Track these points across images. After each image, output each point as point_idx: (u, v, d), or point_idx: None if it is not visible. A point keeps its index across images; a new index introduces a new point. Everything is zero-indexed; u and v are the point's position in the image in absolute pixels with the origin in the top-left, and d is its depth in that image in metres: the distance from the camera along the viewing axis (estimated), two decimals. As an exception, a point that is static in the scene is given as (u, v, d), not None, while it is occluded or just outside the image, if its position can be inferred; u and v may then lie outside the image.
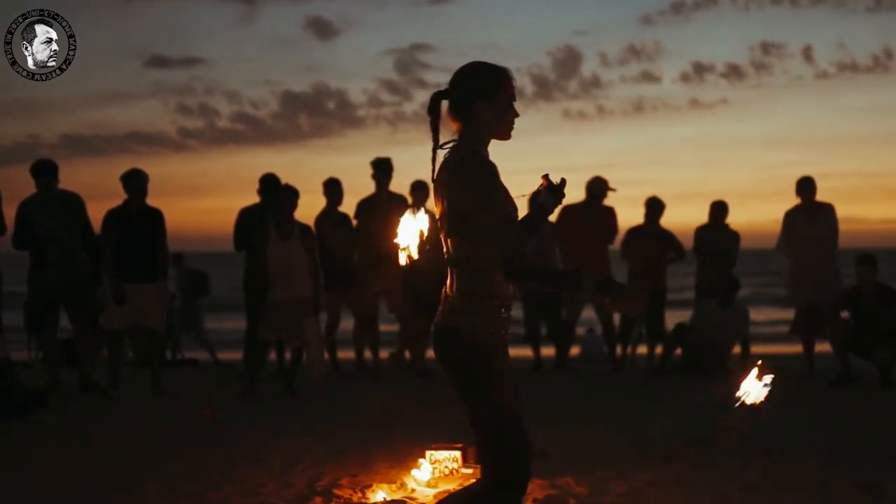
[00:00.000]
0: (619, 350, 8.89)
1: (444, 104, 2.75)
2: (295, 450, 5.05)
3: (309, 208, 10.31)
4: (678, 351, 8.41)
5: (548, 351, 9.06)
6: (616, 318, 8.83)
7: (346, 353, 8.82)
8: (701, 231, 8.84)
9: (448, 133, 2.75)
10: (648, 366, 8.60)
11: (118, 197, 7.25)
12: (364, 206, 8.24)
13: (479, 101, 2.70)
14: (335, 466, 4.67)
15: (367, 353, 8.45)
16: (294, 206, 7.14)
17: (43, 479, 4.49)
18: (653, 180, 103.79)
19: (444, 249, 2.75)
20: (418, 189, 8.37)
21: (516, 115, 2.77)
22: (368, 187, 8.34)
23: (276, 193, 7.34)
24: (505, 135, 2.77)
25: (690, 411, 6.17)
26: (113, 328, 7.21)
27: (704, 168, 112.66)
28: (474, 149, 2.71)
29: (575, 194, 8.70)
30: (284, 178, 7.77)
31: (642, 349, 9.08)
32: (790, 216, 8.22)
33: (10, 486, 4.38)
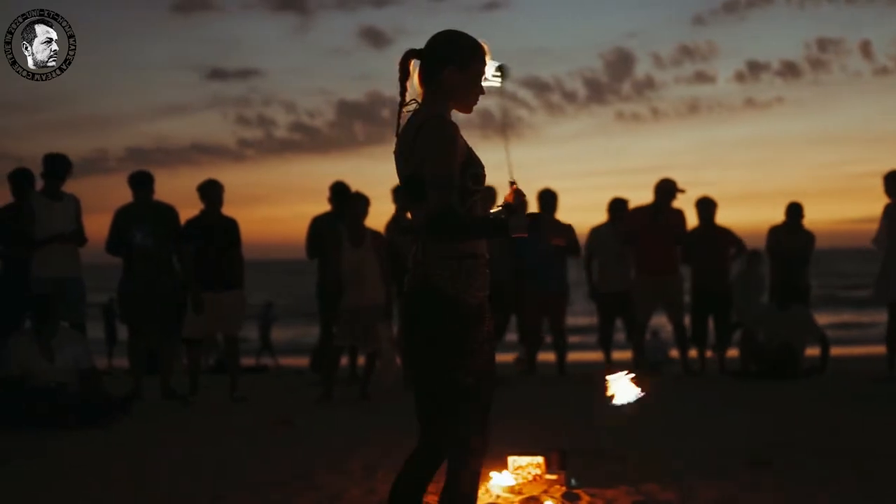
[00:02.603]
0: (691, 353, 8.79)
1: (414, 64, 2.78)
2: (375, 455, 5.08)
3: (376, 216, 10.42)
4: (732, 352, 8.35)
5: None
6: (686, 320, 8.74)
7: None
8: (776, 231, 8.69)
9: (412, 94, 2.79)
10: (721, 368, 8.49)
11: (180, 207, 7.45)
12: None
13: (450, 67, 2.74)
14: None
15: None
16: (365, 213, 7.21)
17: (123, 486, 4.58)
18: (708, 181, 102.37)
19: (408, 215, 2.79)
20: (484, 194, 8.42)
21: (482, 91, 2.82)
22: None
23: (347, 201, 7.42)
24: (467, 107, 2.83)
25: (770, 415, 6.07)
26: (192, 336, 7.36)
27: (760, 168, 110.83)
28: (439, 112, 2.75)
29: (635, 196, 8.71)
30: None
31: (710, 353, 8.97)
32: (891, 209, 7.92)
33: (93, 492, 4.48)
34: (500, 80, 2.89)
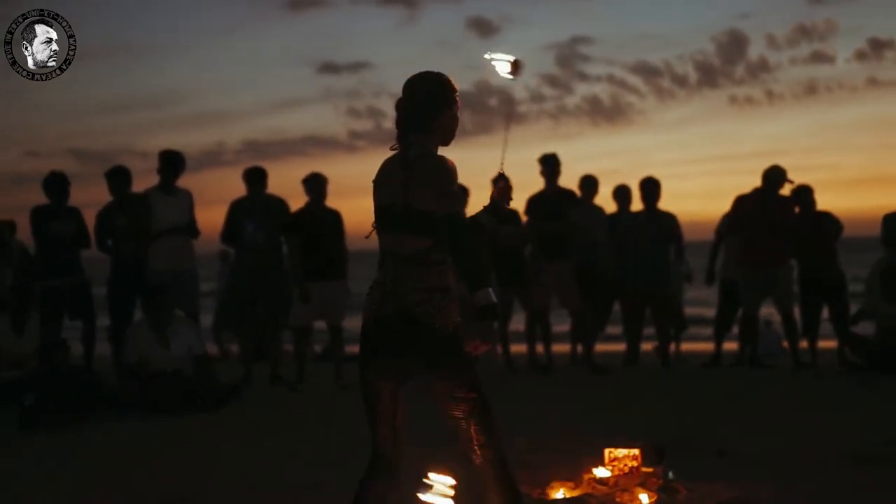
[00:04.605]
0: (801, 345, 8.51)
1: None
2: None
3: (474, 205, 10.47)
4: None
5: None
6: (796, 312, 8.48)
7: (518, 348, 8.89)
8: (891, 219, 8.32)
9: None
10: (841, 362, 8.21)
11: (294, 198, 7.67)
12: (534, 201, 8.29)
13: (447, 111, 2.90)
14: (512, 462, 4.68)
15: (540, 348, 8.49)
16: (464, 203, 7.28)
17: (229, 469, 4.77)
18: (827, 165, 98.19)
19: (387, 244, 2.87)
20: (587, 183, 8.38)
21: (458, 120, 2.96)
22: (533, 182, 8.38)
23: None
24: (451, 140, 2.96)
25: (879, 410, 5.85)
26: (298, 325, 7.59)
27: (883, 151, 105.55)
28: (430, 150, 2.88)
29: (749, 182, 8.42)
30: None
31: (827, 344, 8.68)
32: None
33: (200, 475, 4.69)
34: (514, 75, 2.93)
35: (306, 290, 7.35)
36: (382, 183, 2.92)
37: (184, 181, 7.66)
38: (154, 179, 7.62)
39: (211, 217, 7.76)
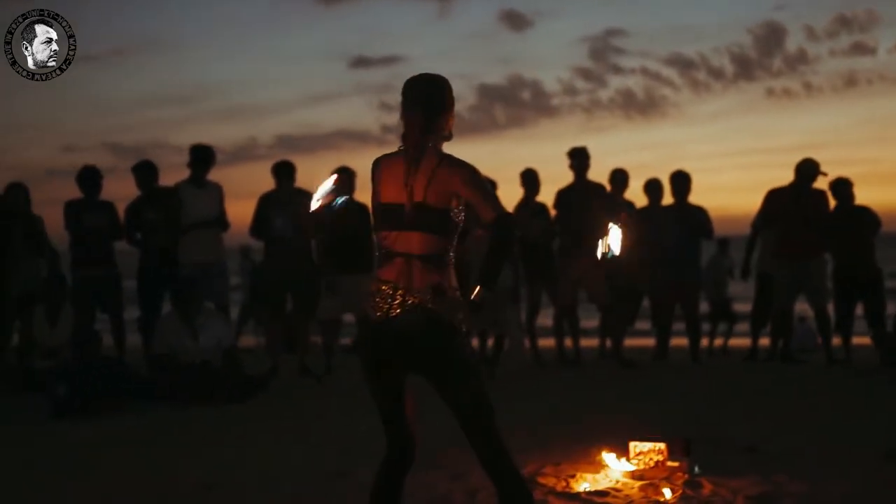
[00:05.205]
0: (834, 341, 8.41)
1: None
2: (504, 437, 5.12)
3: (505, 199, 10.46)
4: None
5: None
6: (830, 308, 8.37)
7: (546, 343, 8.87)
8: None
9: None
10: (883, 360, 8.08)
11: (325, 192, 7.68)
12: (562, 195, 8.25)
13: (450, 113, 2.94)
14: (538, 454, 4.71)
15: (568, 342, 8.46)
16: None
17: (257, 458, 4.81)
18: (867, 159, 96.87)
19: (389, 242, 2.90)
20: (617, 177, 8.33)
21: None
22: (564, 176, 8.34)
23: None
24: (449, 140, 2.98)
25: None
26: (326, 317, 7.63)
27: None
28: (442, 151, 2.92)
29: (781, 176, 8.30)
30: (480, 170, 7.90)
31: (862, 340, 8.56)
32: None
33: (230, 465, 4.73)
34: (337, 191, 3.09)
35: (334, 283, 7.38)
36: (391, 183, 2.92)
37: (217, 175, 7.77)
38: (188, 173, 7.70)
39: (243, 211, 7.83)
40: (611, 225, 2.95)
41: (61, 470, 4.67)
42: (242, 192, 8.29)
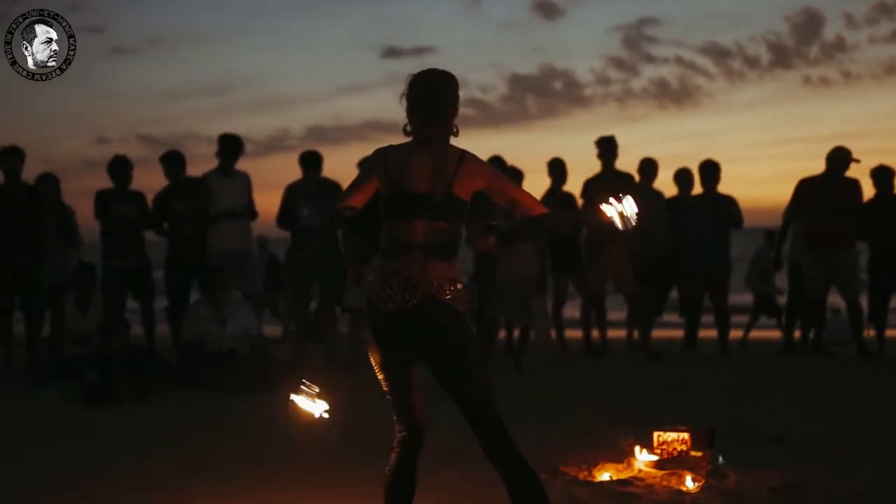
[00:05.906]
0: (867, 334, 8.29)
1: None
2: (521, 426, 5.10)
3: (535, 189, 10.42)
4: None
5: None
6: (863, 300, 8.25)
7: (573, 334, 8.84)
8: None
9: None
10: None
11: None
12: (590, 184, 8.21)
13: (457, 106, 2.99)
14: (561, 443, 4.70)
15: (595, 333, 8.42)
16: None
17: (283, 447, 4.84)
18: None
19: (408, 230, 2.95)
20: (647, 167, 8.28)
21: None
22: (597, 167, 8.28)
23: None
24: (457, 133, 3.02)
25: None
26: (351, 307, 7.65)
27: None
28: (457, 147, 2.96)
29: (818, 166, 8.16)
30: (512, 160, 7.90)
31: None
32: None
33: (255, 452, 4.77)
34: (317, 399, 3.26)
35: (360, 272, 7.40)
36: (405, 172, 2.96)
37: (248, 166, 7.82)
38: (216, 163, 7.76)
39: (274, 202, 7.85)
40: (621, 194, 2.93)
41: (91, 455, 4.74)
42: (273, 183, 8.36)
